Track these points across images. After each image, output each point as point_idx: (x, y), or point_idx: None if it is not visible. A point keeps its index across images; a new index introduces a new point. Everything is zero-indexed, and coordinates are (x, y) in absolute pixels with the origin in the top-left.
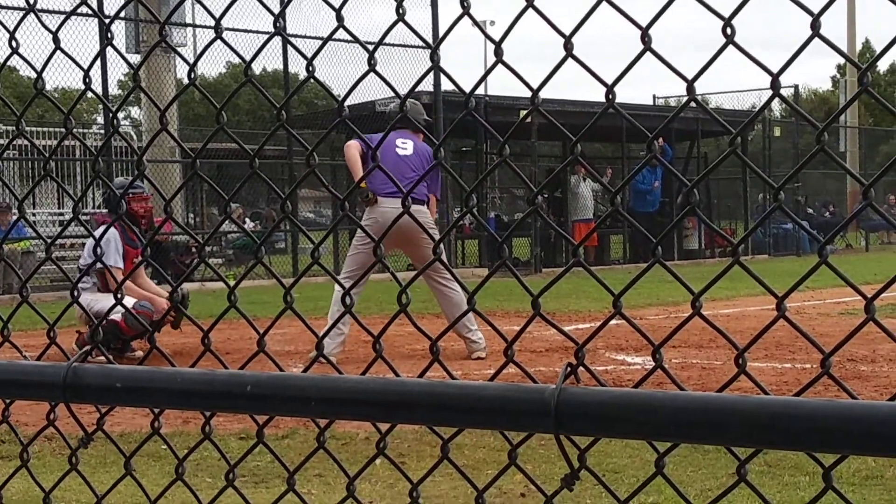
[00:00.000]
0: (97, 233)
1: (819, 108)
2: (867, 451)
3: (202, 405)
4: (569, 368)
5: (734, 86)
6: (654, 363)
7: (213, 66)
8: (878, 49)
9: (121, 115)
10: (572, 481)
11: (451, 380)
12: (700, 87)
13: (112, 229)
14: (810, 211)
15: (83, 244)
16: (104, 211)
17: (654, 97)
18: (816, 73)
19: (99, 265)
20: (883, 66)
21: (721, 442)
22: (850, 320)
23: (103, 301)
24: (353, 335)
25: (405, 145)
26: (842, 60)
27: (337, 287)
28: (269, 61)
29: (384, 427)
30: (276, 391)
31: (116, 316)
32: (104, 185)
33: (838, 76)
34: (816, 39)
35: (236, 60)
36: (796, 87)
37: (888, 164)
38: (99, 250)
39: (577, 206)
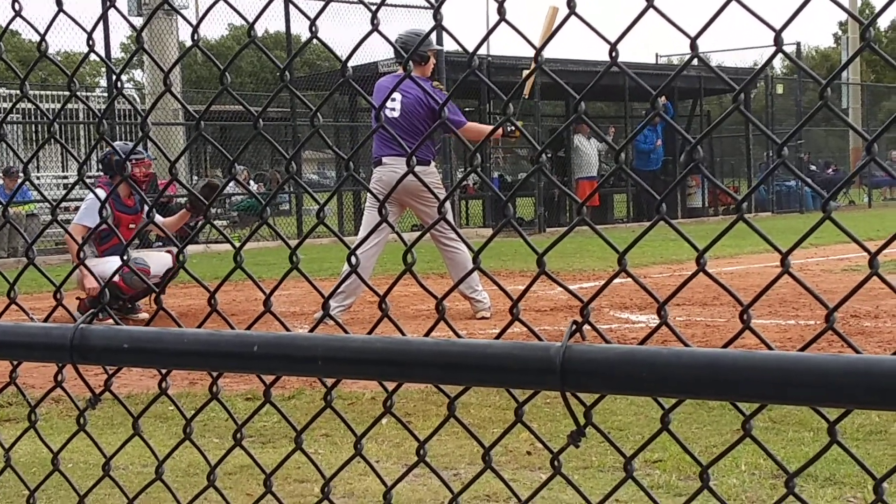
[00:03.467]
0: (88, 196)
1: (821, 65)
2: (872, 406)
3: (210, 365)
4: (574, 326)
5: (735, 44)
6: (658, 321)
7: (214, 27)
8: (878, 5)
9: (124, 77)
10: (578, 438)
11: (458, 338)
12: (702, 44)
13: (101, 192)
14: (813, 168)
15: None
16: (101, 174)
17: (657, 56)
18: (818, 29)
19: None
20: (884, 22)
21: (727, 397)
22: (853, 276)
23: (102, 265)
24: (360, 296)
25: (393, 104)
26: (843, 17)
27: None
28: (271, 23)
29: (391, 386)
30: (284, 351)
31: (115, 277)
32: (105, 147)
33: (840, 33)
34: None
35: (238, 22)
36: (798, 43)
37: (891, 119)
38: (82, 210)
39: (581, 163)
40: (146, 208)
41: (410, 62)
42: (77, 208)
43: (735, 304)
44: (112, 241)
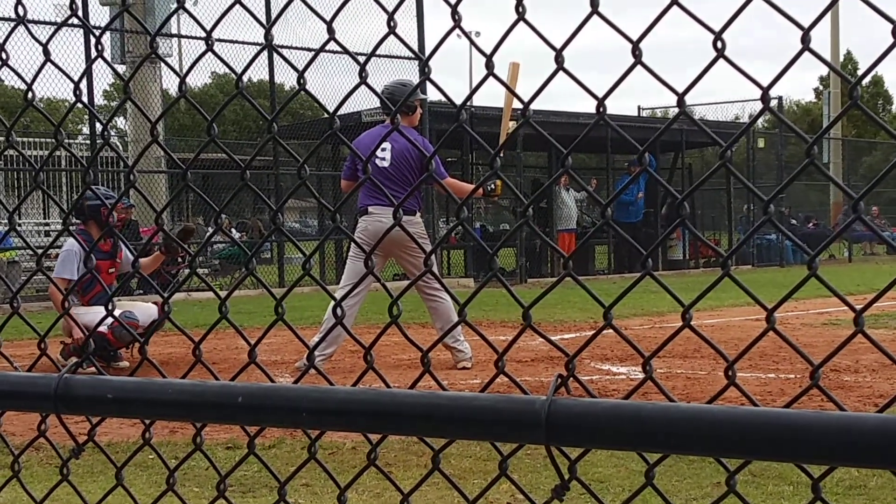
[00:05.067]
0: (64, 247)
1: (802, 119)
2: (855, 464)
3: (194, 416)
4: (559, 380)
5: (713, 96)
6: (639, 373)
7: (198, 76)
8: (860, 60)
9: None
10: (562, 492)
11: (442, 391)
12: (686, 99)
13: (74, 242)
14: (794, 222)
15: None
16: (78, 222)
17: (640, 108)
18: (799, 83)
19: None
20: (865, 78)
21: (713, 453)
22: (833, 331)
23: (89, 315)
24: (341, 345)
25: (383, 153)
26: (825, 71)
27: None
28: (255, 72)
29: (374, 438)
30: (268, 402)
31: (103, 328)
32: (83, 194)
33: (821, 87)
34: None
35: (221, 71)
36: (780, 98)
37: (878, 178)
38: (59, 263)
39: (560, 216)
40: (122, 251)
41: (398, 114)
42: (58, 255)
43: (716, 357)
44: (96, 289)
